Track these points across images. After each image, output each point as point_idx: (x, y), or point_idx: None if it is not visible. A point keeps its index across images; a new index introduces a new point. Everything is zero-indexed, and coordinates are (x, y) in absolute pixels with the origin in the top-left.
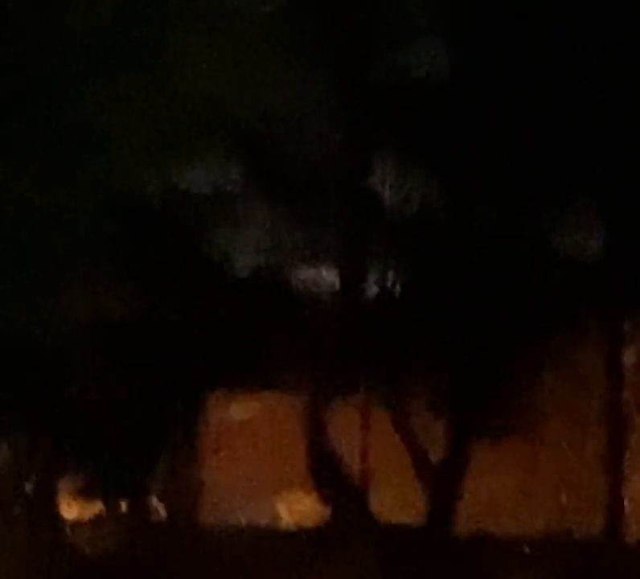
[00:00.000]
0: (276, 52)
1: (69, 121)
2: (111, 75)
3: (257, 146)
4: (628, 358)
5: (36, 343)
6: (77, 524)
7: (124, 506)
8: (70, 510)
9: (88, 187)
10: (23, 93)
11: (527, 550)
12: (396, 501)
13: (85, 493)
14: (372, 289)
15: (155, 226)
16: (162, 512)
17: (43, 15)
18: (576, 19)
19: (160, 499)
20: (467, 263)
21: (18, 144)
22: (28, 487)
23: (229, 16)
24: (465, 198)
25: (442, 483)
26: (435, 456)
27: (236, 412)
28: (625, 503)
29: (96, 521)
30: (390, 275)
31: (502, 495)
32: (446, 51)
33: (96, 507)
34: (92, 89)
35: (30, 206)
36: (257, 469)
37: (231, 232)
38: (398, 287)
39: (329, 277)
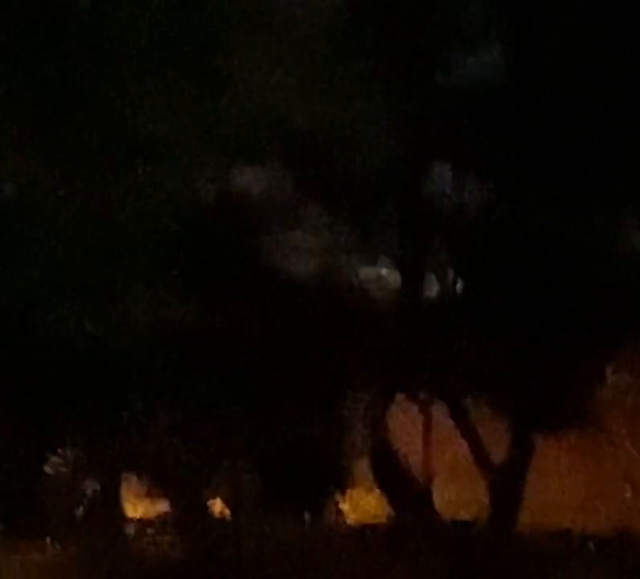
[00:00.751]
0: (335, 57)
1: (127, 125)
2: (168, 80)
3: (315, 150)
4: None
5: (100, 348)
6: (140, 524)
7: (187, 505)
8: (133, 510)
9: (145, 192)
10: (79, 98)
11: (591, 547)
12: (459, 498)
13: (149, 493)
14: (433, 289)
15: (212, 230)
16: (226, 512)
17: (100, 20)
18: (632, 23)
19: (223, 499)
20: (526, 262)
21: (74, 149)
22: (91, 488)
23: (287, 21)
24: (523, 199)
25: (505, 480)
26: (498, 453)
27: None
28: None
29: (160, 521)
30: (450, 274)
31: (566, 492)
32: (504, 57)
33: (160, 507)
34: (149, 94)
35: (88, 211)
36: (321, 467)
37: (289, 234)
38: (458, 286)
39: (389, 277)
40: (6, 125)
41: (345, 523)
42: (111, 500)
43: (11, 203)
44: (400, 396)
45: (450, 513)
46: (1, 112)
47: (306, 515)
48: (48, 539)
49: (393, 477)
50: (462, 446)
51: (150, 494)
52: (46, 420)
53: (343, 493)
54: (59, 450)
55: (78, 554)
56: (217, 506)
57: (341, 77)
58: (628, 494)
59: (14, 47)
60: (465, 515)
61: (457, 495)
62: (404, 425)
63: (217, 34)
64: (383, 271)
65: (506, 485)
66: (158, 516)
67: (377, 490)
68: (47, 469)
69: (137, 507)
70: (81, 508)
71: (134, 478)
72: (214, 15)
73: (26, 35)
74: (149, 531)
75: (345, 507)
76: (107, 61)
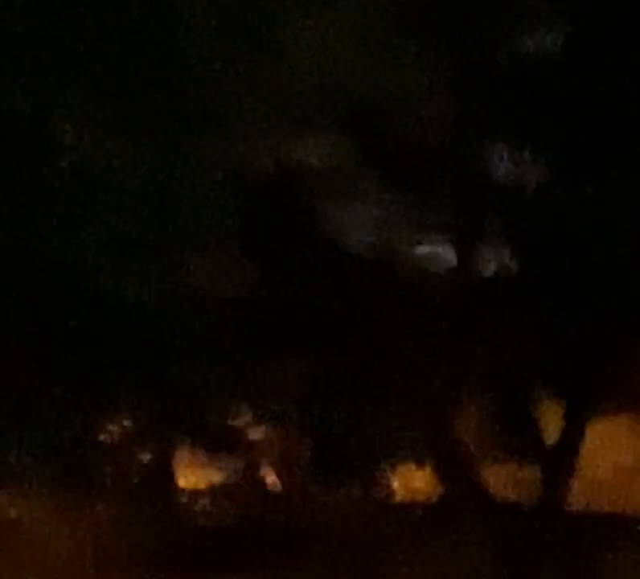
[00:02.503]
0: (395, 29)
1: (187, 96)
2: (227, 51)
3: (372, 123)
4: None
5: (150, 318)
6: (193, 494)
7: (239, 476)
8: (186, 480)
9: (204, 163)
10: (140, 70)
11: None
12: (509, 478)
13: (201, 463)
14: (489, 267)
15: (269, 201)
16: (277, 483)
17: None
18: None
19: (274, 470)
20: (584, 241)
21: (135, 121)
22: (145, 457)
23: None
24: (581, 177)
25: (555, 461)
26: (548, 433)
27: None
28: None
29: (212, 491)
30: (506, 253)
31: (615, 474)
32: (564, 34)
33: (211, 478)
34: (208, 65)
35: (148, 181)
36: (372, 441)
37: (344, 207)
38: (515, 265)
39: (445, 254)
40: (70, 95)
41: (394, 499)
42: (163, 470)
43: (73, 171)
44: (451, 373)
45: (500, 493)
46: (66, 84)
47: (356, 490)
48: (101, 508)
49: (444, 455)
50: (514, 424)
51: (203, 464)
52: (100, 388)
53: (393, 469)
54: (113, 418)
55: (130, 523)
56: (269, 477)
57: (400, 50)
58: None
59: (78, 21)
60: (515, 495)
61: (508, 475)
62: (454, 403)
63: (275, 5)
64: (440, 249)
65: (556, 466)
66: (210, 487)
67: (427, 468)
68: (101, 437)
69: (189, 477)
70: (134, 477)
71: (187, 448)
72: None
73: (94, 11)
74: (201, 501)
75: (394, 483)
76: (167, 33)
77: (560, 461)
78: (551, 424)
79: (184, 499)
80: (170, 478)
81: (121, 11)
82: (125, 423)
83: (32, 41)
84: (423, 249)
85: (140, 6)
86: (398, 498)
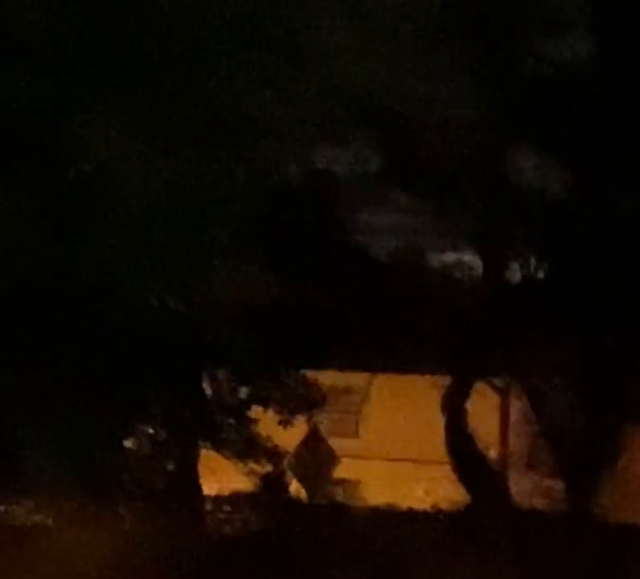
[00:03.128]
0: (422, 38)
1: (216, 104)
2: (259, 61)
3: (399, 132)
4: None
5: (182, 325)
6: (217, 501)
7: (263, 484)
8: (210, 486)
9: (235, 169)
10: (173, 78)
11: None
12: (535, 486)
13: (226, 470)
14: (515, 275)
15: (296, 208)
16: (301, 491)
17: (191, 2)
18: None
19: (298, 478)
20: (610, 248)
21: (168, 127)
22: (171, 465)
23: (376, 1)
24: (606, 186)
25: (582, 470)
26: (576, 442)
27: (378, 394)
28: None
29: (235, 498)
30: (532, 261)
31: None
32: (592, 43)
33: (235, 485)
34: (241, 74)
35: (176, 187)
36: (398, 451)
37: (371, 214)
38: (541, 273)
39: (472, 262)
40: (99, 101)
41: (419, 507)
42: (188, 476)
43: (102, 178)
44: (478, 382)
45: (526, 501)
46: (97, 90)
47: (382, 498)
48: (126, 514)
49: (470, 463)
50: (539, 433)
51: (228, 472)
52: (126, 396)
53: (417, 478)
54: (139, 426)
55: (154, 530)
56: (293, 484)
57: (428, 58)
58: None
59: (110, 29)
60: (541, 503)
61: (534, 483)
62: (482, 410)
63: (305, 15)
64: (465, 256)
65: (583, 475)
66: (234, 494)
67: (453, 476)
68: (126, 445)
69: (213, 484)
70: (160, 483)
71: (212, 455)
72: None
73: (122, 18)
74: (225, 508)
75: (420, 491)
76: (200, 41)
77: (587, 470)
78: (578, 433)
79: (208, 506)
80: (194, 485)
81: (150, 21)
82: (151, 431)
83: (61, 46)
84: (449, 256)
85: (169, 16)
86: (423, 506)
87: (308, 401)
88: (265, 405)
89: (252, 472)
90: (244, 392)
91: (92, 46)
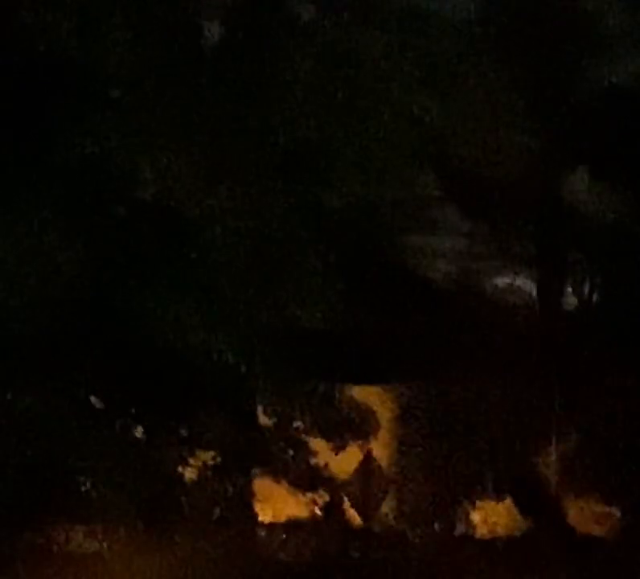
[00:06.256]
0: (476, 64)
1: (278, 134)
2: (317, 90)
3: (453, 155)
4: None
5: (232, 354)
6: (272, 527)
7: (318, 510)
8: (265, 513)
9: (293, 200)
10: (236, 109)
11: None
12: (593, 513)
13: (282, 496)
14: (570, 300)
15: (353, 232)
16: (357, 518)
17: (250, 40)
18: None
19: (353, 504)
20: None
21: (229, 162)
22: (227, 492)
23: (431, 31)
24: None
25: (637, 497)
26: (632, 468)
27: None
28: None
29: (290, 524)
30: (587, 286)
31: None
32: None
33: (291, 511)
34: (306, 109)
35: (240, 223)
36: (454, 477)
37: (427, 238)
38: (596, 297)
39: (526, 286)
40: (165, 134)
41: (475, 533)
42: (244, 503)
43: (173, 216)
44: (533, 405)
45: (581, 526)
46: (162, 123)
47: (436, 525)
48: (181, 541)
49: (526, 489)
50: (595, 459)
51: (283, 499)
52: (182, 424)
53: (474, 504)
54: (196, 453)
55: (210, 557)
56: (349, 511)
57: (482, 84)
58: None
59: (171, 62)
60: (595, 529)
61: (591, 510)
62: (538, 436)
63: (370, 50)
64: (519, 281)
65: (638, 500)
66: (289, 520)
67: (509, 502)
68: (181, 471)
69: (268, 510)
70: (216, 510)
71: (267, 482)
72: (362, 30)
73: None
74: (279, 534)
75: (476, 517)
76: (264, 74)
77: None
78: (634, 458)
79: (263, 532)
80: (249, 511)
81: (216, 63)
82: (207, 459)
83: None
84: (503, 280)
85: (232, 58)
86: (479, 532)
87: (361, 429)
88: (320, 433)
89: (307, 499)
90: (299, 420)
91: (157, 81)
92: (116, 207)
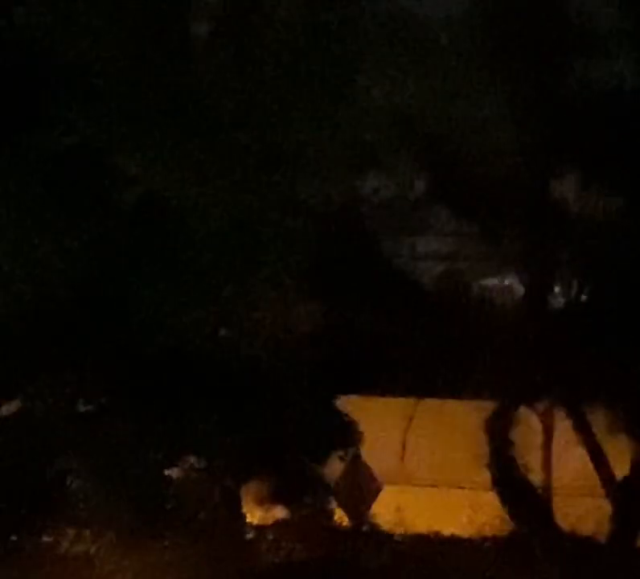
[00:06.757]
0: (464, 64)
1: (264, 134)
2: (302, 89)
3: (441, 156)
4: None
5: (230, 354)
6: (260, 530)
7: (306, 511)
8: (253, 515)
9: (278, 199)
10: (221, 112)
11: None
12: (580, 513)
13: (269, 499)
14: (558, 300)
15: (340, 234)
16: (344, 518)
17: (234, 36)
18: None
19: (342, 506)
20: None
21: (212, 158)
22: (215, 494)
23: (417, 30)
24: None
25: (628, 496)
26: (621, 468)
27: (421, 419)
28: None
29: (279, 526)
30: (575, 286)
31: None
32: (633, 64)
33: (279, 514)
34: (285, 103)
35: (228, 218)
36: (441, 477)
37: (415, 239)
38: (584, 298)
39: (514, 286)
40: (153, 136)
41: (463, 533)
42: (232, 505)
43: (155, 211)
44: (522, 408)
45: (570, 526)
46: (150, 128)
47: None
48: (171, 543)
49: (514, 490)
50: (584, 460)
51: (272, 500)
52: (172, 426)
53: (462, 504)
54: (184, 456)
55: (199, 555)
56: (337, 513)
57: (470, 83)
58: None
59: (161, 62)
60: (585, 530)
61: (578, 510)
62: (526, 436)
63: (349, 46)
64: (508, 281)
65: (628, 501)
66: (277, 522)
67: (497, 502)
68: (172, 473)
69: (256, 512)
70: (204, 513)
71: (255, 484)
72: (345, 26)
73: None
74: (269, 536)
75: (464, 518)
76: (244, 74)
77: (632, 495)
78: (622, 457)
79: (251, 535)
80: (238, 514)
81: (197, 54)
82: (195, 461)
83: (102, 73)
84: (491, 281)
85: (214, 48)
86: (467, 532)
87: (346, 438)
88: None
89: (296, 501)
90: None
91: (140, 81)
92: (102, 202)
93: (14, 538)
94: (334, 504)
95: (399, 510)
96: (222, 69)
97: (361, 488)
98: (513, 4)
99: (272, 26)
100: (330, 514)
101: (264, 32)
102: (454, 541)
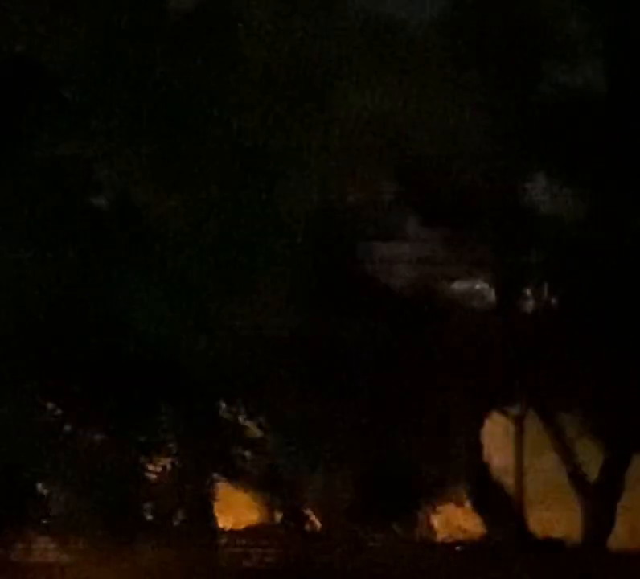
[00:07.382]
0: (436, 68)
1: (242, 142)
2: (280, 96)
3: (412, 161)
4: None
5: (193, 358)
6: (232, 534)
7: (279, 516)
8: (225, 520)
9: (255, 205)
10: (199, 118)
11: None
12: (552, 516)
13: (242, 503)
14: (529, 303)
15: (314, 241)
16: (317, 522)
17: (217, 47)
18: None
19: (314, 510)
20: (624, 276)
21: (189, 165)
22: (187, 498)
23: (393, 38)
24: (619, 212)
25: (599, 499)
26: (592, 471)
27: None
28: None
29: (252, 531)
30: (546, 290)
31: None
32: (603, 69)
33: (251, 518)
34: (263, 110)
35: (205, 222)
36: (413, 482)
37: (386, 245)
38: (555, 301)
39: (485, 290)
40: (130, 145)
41: (435, 537)
42: (204, 510)
43: (133, 220)
44: (494, 412)
45: (542, 531)
46: (126, 134)
47: (397, 529)
48: (142, 548)
49: (486, 493)
50: (556, 463)
51: (244, 504)
52: (142, 429)
53: (435, 508)
54: (156, 461)
55: (172, 561)
56: (309, 517)
57: (441, 89)
58: None
59: (138, 68)
60: (557, 533)
61: (550, 513)
62: (499, 440)
63: (328, 51)
64: (478, 285)
65: (600, 504)
66: (250, 527)
67: (469, 506)
68: (142, 478)
69: (228, 517)
70: (176, 516)
71: (227, 488)
72: (325, 33)
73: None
74: (240, 541)
75: (436, 522)
76: (226, 83)
77: (602, 498)
78: (593, 461)
79: (223, 539)
80: (210, 518)
81: (182, 59)
82: (166, 463)
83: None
84: (462, 286)
85: (195, 55)
86: (439, 536)
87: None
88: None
89: (269, 504)
90: (259, 423)
91: (114, 83)
92: (77, 210)
93: None
94: (307, 508)
95: (373, 515)
96: (200, 77)
97: (336, 491)
98: (487, 11)
99: (250, 32)
100: (304, 518)
101: (241, 38)
102: (427, 544)
